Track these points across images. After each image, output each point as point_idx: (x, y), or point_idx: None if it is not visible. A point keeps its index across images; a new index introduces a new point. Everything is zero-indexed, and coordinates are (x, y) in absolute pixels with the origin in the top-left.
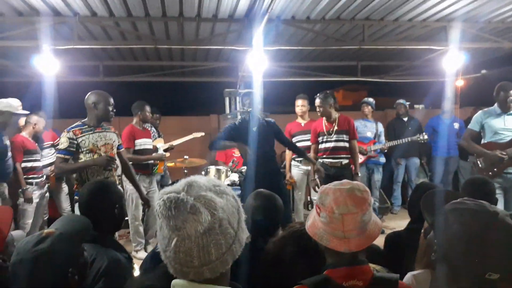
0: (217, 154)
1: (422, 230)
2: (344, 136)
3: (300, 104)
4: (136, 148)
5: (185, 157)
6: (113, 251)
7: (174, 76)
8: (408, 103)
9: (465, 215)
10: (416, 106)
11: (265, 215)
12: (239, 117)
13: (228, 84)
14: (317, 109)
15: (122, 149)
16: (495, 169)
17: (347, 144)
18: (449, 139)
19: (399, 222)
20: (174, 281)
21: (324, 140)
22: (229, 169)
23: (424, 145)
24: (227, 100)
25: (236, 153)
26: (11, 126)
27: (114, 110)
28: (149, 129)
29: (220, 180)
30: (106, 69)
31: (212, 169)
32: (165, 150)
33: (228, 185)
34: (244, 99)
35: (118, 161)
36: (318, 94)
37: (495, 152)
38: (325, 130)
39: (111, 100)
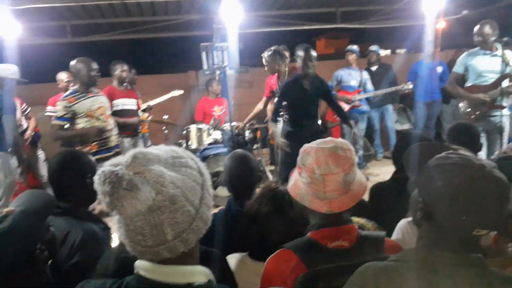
0: (196, 114)
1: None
2: None
3: None
4: (115, 108)
5: (165, 117)
6: (88, 223)
7: (147, 32)
8: (381, 50)
9: (450, 170)
10: (398, 50)
11: (239, 176)
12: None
13: (204, 38)
14: (265, 66)
15: (110, 112)
16: (477, 112)
17: None
18: (432, 83)
19: (383, 169)
20: (136, 262)
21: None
22: (210, 128)
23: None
24: (203, 55)
25: (216, 111)
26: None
27: (99, 74)
28: (131, 89)
29: (201, 142)
30: (74, 29)
31: (193, 128)
32: (143, 111)
33: (209, 144)
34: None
35: (113, 122)
36: (265, 51)
37: (478, 95)
38: (277, 86)
39: (93, 65)
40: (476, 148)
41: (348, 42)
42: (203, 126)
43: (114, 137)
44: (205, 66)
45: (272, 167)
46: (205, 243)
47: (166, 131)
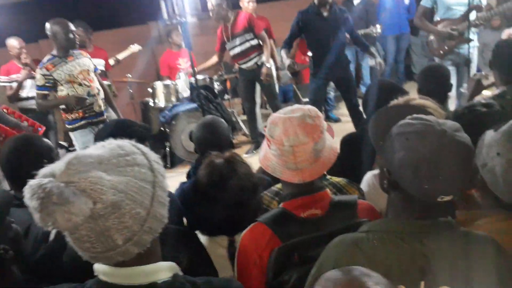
0: (161, 69)
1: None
2: (246, 35)
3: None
4: None
5: (128, 75)
6: None
7: None
8: None
9: (411, 139)
10: None
11: (208, 146)
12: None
13: None
14: (211, 14)
15: (98, 71)
16: (446, 47)
17: (253, 42)
18: (400, 16)
19: None
20: (95, 266)
21: (230, 47)
22: (177, 84)
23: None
24: (162, 3)
25: (182, 64)
26: None
27: (77, 36)
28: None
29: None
30: None
31: (159, 85)
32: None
33: (177, 101)
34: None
35: (98, 85)
36: None
37: (446, 29)
38: (224, 37)
39: (70, 26)
40: (447, 89)
41: None
42: (169, 82)
43: (100, 102)
44: (164, 16)
45: (245, 117)
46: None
47: (130, 91)
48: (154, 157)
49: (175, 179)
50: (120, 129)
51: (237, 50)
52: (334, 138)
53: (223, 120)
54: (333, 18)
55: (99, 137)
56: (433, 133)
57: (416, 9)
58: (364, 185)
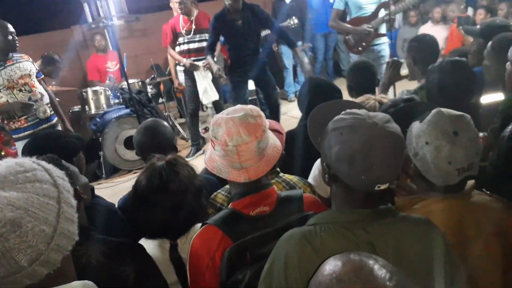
0: (89, 73)
1: None
2: (206, 35)
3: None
4: None
5: (53, 83)
6: None
7: None
8: None
9: (344, 133)
10: None
11: (151, 151)
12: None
13: None
14: (177, 6)
15: (42, 77)
16: (363, 43)
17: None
18: (327, 15)
19: (289, 106)
20: None
21: (185, 41)
22: (107, 89)
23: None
24: (86, 6)
25: (111, 67)
26: None
27: (16, 38)
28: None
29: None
30: None
31: (89, 91)
32: None
33: (108, 107)
34: None
35: (42, 89)
36: None
37: (363, 27)
38: (182, 30)
39: (9, 28)
40: (374, 83)
41: None
42: (98, 88)
43: (44, 107)
44: (89, 19)
45: (182, 120)
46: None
47: (57, 100)
48: (58, 173)
49: (111, 190)
50: (50, 141)
51: (195, 45)
52: (284, 136)
53: (165, 123)
54: (246, 21)
55: (27, 150)
56: (364, 126)
57: None
58: (314, 170)
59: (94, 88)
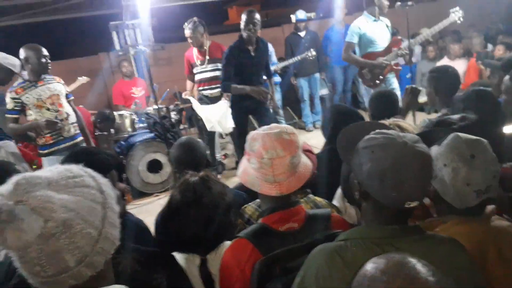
0: (114, 98)
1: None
2: (218, 64)
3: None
4: None
5: (80, 106)
6: None
7: (47, 14)
8: (308, 15)
9: (376, 151)
10: (308, 14)
11: (187, 165)
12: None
13: (113, 16)
14: (188, 40)
15: (72, 98)
16: (380, 77)
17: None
18: None
19: (308, 135)
20: None
21: (199, 71)
22: (132, 113)
23: (321, 58)
24: (114, 34)
25: (136, 93)
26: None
27: (49, 61)
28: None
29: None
30: None
31: (115, 115)
32: None
33: (133, 131)
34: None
35: (70, 110)
36: (186, 24)
37: (380, 61)
38: (196, 61)
39: (43, 51)
40: (396, 111)
41: (259, 8)
42: (124, 112)
43: (69, 126)
44: (117, 47)
45: None
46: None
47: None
48: (103, 180)
49: (133, 212)
50: (85, 156)
51: (208, 75)
52: (315, 162)
53: (199, 140)
54: (258, 54)
55: (65, 163)
56: (395, 145)
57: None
58: (337, 200)
59: (120, 112)
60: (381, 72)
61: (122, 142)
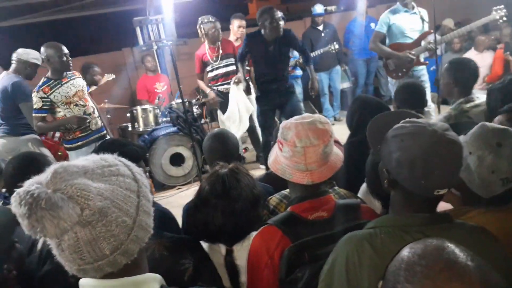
0: (138, 93)
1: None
2: (231, 59)
3: (238, 25)
4: None
5: (106, 100)
6: None
7: (73, 11)
8: (329, 8)
9: (405, 140)
10: (328, 8)
11: (219, 156)
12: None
13: (136, 12)
14: (205, 36)
15: (90, 90)
16: (404, 70)
17: (234, 67)
18: (367, 41)
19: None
20: (81, 281)
21: (214, 67)
22: (156, 107)
23: (340, 51)
24: (138, 30)
25: (159, 88)
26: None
27: (70, 59)
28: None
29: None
30: None
31: (139, 109)
32: None
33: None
34: None
35: (92, 103)
36: (200, 21)
37: (405, 53)
38: (209, 58)
39: (64, 50)
40: (423, 103)
41: (280, 2)
42: (148, 106)
43: (96, 120)
44: (140, 42)
45: None
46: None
47: (108, 116)
48: (137, 169)
49: None
50: (116, 147)
51: (222, 71)
52: (342, 147)
53: (231, 132)
54: (278, 48)
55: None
56: (424, 133)
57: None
58: (361, 194)
59: (143, 106)
60: (406, 64)
61: (146, 136)
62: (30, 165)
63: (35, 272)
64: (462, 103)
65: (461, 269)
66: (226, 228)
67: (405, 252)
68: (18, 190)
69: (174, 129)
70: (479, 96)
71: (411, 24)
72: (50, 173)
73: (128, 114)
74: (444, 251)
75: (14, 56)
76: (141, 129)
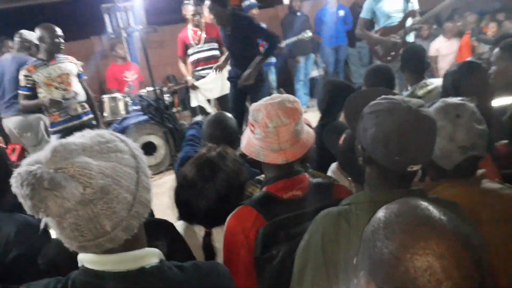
0: (107, 82)
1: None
2: (215, 44)
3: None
4: None
5: None
6: (19, 215)
7: None
8: None
9: (380, 116)
10: None
11: (219, 141)
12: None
13: None
14: (188, 17)
15: (84, 78)
16: (392, 53)
17: (217, 52)
18: (336, 28)
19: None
20: (80, 256)
21: (195, 51)
22: (126, 96)
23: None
24: (106, 17)
25: (129, 77)
26: None
27: (63, 41)
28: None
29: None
30: None
31: (106, 98)
32: None
33: (127, 114)
34: None
35: (80, 89)
36: (186, 2)
37: (389, 38)
38: (192, 41)
39: (57, 32)
40: (392, 86)
41: None
42: (118, 95)
43: (76, 105)
44: (109, 30)
45: None
46: None
47: None
48: (134, 144)
49: None
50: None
51: (204, 55)
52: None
53: (230, 115)
54: (236, 32)
55: None
56: (399, 109)
57: (352, 20)
58: (329, 173)
59: (112, 95)
60: (393, 47)
61: (116, 125)
62: None
63: (1, 261)
64: (416, 89)
65: (435, 222)
66: (209, 212)
67: (382, 212)
68: (18, 170)
69: (145, 117)
70: (433, 80)
71: (394, 6)
72: (50, 152)
73: (98, 104)
74: (419, 208)
75: (18, 37)
76: (109, 118)
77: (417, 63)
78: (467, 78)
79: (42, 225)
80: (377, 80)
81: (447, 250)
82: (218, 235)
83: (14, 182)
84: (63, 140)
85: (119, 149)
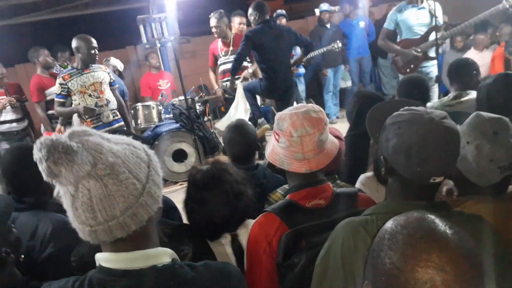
0: (142, 90)
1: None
2: None
3: (239, 22)
4: (49, 98)
5: None
6: (56, 214)
7: (76, 9)
8: (332, 8)
9: (402, 127)
10: (332, 8)
11: (238, 147)
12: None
13: (140, 10)
14: (213, 30)
15: (116, 86)
16: (412, 66)
17: (245, 63)
18: (357, 40)
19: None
20: (97, 255)
21: (223, 62)
22: (159, 104)
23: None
24: (141, 28)
25: (162, 86)
26: None
27: (97, 52)
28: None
29: (153, 118)
30: None
31: (140, 106)
32: None
33: (159, 121)
34: None
35: (112, 96)
36: (212, 14)
37: (411, 50)
38: (220, 52)
39: (93, 43)
40: (426, 98)
41: (282, 3)
42: (151, 103)
43: (108, 113)
44: (144, 40)
45: None
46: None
47: None
48: (150, 151)
49: None
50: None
51: (229, 66)
52: (343, 142)
53: (250, 123)
54: (278, 41)
55: None
56: (421, 121)
57: (375, 31)
58: (357, 185)
59: (146, 103)
60: (413, 60)
61: (149, 132)
62: (26, 156)
63: (37, 257)
64: (450, 98)
65: (439, 235)
66: (225, 220)
67: (389, 224)
68: (39, 138)
69: (177, 125)
70: (469, 91)
71: (418, 19)
72: (69, 132)
73: (132, 111)
74: (425, 220)
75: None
76: (142, 125)
77: (463, 76)
78: (503, 91)
79: (55, 192)
80: (410, 91)
81: (448, 263)
82: (244, 235)
83: (35, 148)
84: (84, 126)
85: (133, 144)
